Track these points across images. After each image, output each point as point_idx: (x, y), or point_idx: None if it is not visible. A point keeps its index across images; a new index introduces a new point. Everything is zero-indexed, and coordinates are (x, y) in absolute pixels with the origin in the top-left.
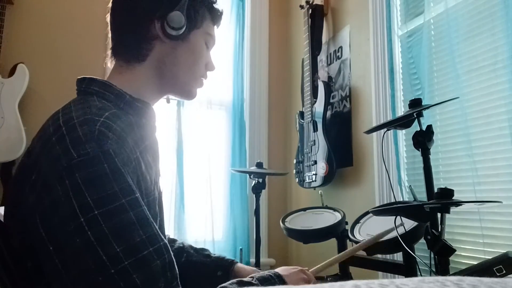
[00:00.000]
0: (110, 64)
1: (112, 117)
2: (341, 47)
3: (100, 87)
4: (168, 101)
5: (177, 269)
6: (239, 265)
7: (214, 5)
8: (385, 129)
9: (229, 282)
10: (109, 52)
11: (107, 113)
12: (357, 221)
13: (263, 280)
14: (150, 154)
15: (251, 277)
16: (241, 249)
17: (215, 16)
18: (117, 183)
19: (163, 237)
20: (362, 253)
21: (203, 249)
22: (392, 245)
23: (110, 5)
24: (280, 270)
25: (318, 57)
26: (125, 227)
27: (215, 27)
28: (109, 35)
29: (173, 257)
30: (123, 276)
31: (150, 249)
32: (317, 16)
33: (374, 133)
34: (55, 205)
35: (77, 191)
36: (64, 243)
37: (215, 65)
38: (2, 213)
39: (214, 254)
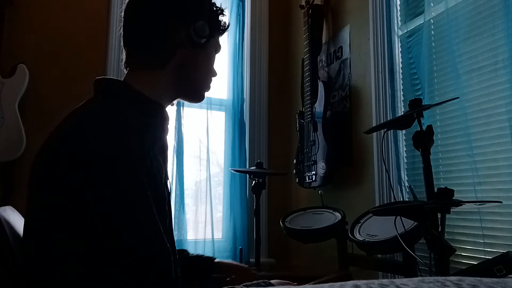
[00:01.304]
0: (124, 66)
1: (129, 116)
2: (341, 47)
3: (118, 88)
4: (172, 104)
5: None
6: (217, 260)
7: (222, 16)
8: (385, 129)
9: None
10: (124, 55)
11: (125, 112)
12: (357, 221)
13: None
14: (161, 155)
15: (244, 285)
16: (241, 249)
17: (224, 26)
18: (130, 179)
19: (165, 238)
20: (362, 253)
21: (180, 251)
22: (392, 245)
23: (130, 10)
24: (275, 282)
25: (318, 57)
26: (132, 222)
27: (221, 35)
28: (121, 31)
29: (171, 261)
30: (127, 270)
31: (152, 248)
32: (317, 16)
33: (374, 133)
34: (70, 198)
35: (92, 185)
36: (74, 236)
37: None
38: (3, 214)
39: (192, 254)
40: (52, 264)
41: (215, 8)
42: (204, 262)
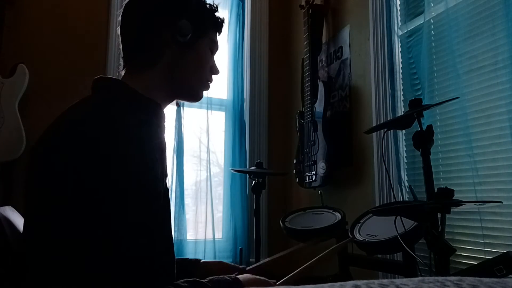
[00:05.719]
0: (122, 68)
1: (123, 114)
2: (341, 47)
3: (114, 86)
4: (178, 105)
5: None
6: (203, 262)
7: (216, 13)
8: (385, 129)
9: (183, 280)
10: (121, 62)
11: (119, 109)
12: (357, 221)
13: (219, 284)
14: (158, 152)
15: (209, 279)
16: (241, 249)
17: (218, 24)
18: (123, 177)
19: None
20: (362, 253)
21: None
22: (392, 245)
23: (120, 16)
24: (241, 277)
25: (318, 57)
26: (125, 220)
27: (217, 34)
28: (120, 46)
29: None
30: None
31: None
32: (317, 16)
33: (374, 133)
34: (66, 197)
35: (87, 184)
36: (72, 235)
37: (219, 69)
38: (3, 213)
39: (191, 259)
40: (52, 263)
41: (207, 6)
42: (191, 264)
